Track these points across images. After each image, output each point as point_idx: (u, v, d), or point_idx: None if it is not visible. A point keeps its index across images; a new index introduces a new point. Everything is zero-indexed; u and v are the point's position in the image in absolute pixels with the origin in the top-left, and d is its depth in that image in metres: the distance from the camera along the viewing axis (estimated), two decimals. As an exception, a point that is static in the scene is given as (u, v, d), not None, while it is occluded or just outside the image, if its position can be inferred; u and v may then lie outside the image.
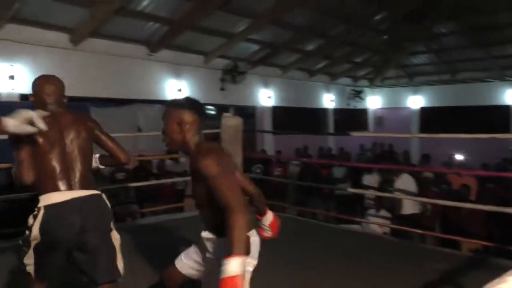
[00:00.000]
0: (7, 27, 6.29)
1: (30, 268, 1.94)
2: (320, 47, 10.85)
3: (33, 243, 1.91)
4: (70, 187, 1.97)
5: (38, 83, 2.11)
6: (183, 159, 7.60)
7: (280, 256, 3.79)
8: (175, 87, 8.90)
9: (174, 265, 2.05)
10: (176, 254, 2.12)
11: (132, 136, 7.87)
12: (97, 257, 1.97)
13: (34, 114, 1.73)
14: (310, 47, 10.75)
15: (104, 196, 2.08)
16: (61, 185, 1.96)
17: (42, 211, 1.91)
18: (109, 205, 2.08)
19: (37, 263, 1.92)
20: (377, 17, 10.48)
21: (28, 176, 1.98)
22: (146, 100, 8.52)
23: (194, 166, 1.72)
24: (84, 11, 6.63)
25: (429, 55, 12.99)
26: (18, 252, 1.97)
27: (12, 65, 6.52)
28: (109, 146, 2.20)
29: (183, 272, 2.03)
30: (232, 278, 1.38)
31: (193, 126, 1.81)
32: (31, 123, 1.72)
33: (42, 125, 1.75)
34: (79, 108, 6.92)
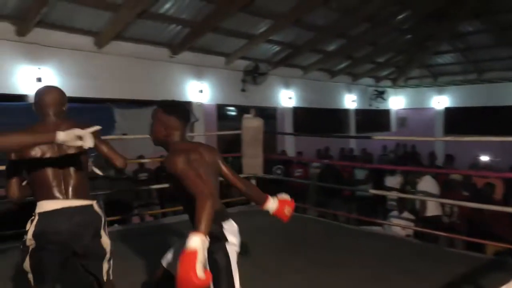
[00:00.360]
0: (35, 31, 6.49)
1: (30, 276, 2.02)
2: (342, 47, 10.76)
3: (30, 248, 2.00)
4: (63, 196, 2.05)
5: (39, 94, 2.18)
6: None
7: (300, 257, 3.79)
8: (197, 89, 8.99)
9: (160, 263, 2.12)
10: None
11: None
12: (95, 259, 2.12)
13: (84, 132, 1.80)
14: (331, 47, 10.67)
15: (95, 205, 2.15)
16: (56, 193, 2.04)
17: (36, 218, 2.00)
18: (100, 213, 2.15)
19: (33, 269, 2.00)
20: (400, 17, 10.32)
21: (13, 192, 2.11)
22: (168, 102, 8.62)
23: (165, 165, 1.86)
24: (108, 15, 6.77)
25: (454, 54, 12.68)
26: (19, 255, 2.06)
27: (39, 68, 6.71)
28: (104, 152, 2.25)
29: (167, 268, 2.09)
30: (190, 252, 1.49)
31: (177, 131, 1.95)
32: (81, 139, 1.80)
33: (89, 143, 1.82)
34: (102, 109, 7.09)
